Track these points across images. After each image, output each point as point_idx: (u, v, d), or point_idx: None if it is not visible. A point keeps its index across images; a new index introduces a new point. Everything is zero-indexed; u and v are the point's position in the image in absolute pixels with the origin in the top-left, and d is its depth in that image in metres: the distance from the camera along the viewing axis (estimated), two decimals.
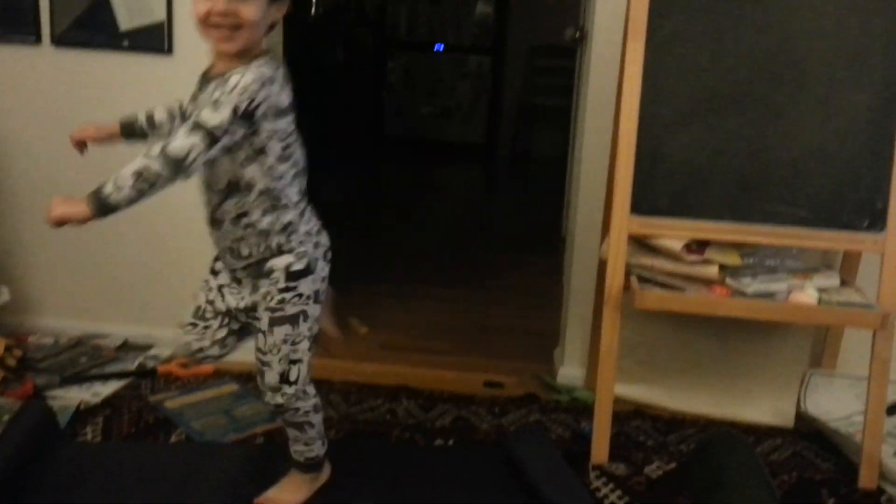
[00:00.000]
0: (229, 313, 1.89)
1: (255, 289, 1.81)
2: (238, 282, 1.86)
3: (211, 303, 1.91)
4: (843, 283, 2.25)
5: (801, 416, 2.45)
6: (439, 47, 6.51)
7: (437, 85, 6.58)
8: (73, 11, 2.55)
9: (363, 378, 2.65)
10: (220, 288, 1.90)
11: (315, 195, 3.44)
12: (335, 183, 5.09)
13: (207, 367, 2.64)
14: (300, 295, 1.79)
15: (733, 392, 2.51)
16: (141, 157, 1.57)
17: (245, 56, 1.62)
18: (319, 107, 4.02)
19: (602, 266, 2.34)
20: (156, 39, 2.54)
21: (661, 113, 2.12)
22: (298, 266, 1.78)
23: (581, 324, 2.64)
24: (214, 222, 1.77)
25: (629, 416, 2.47)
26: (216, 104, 1.56)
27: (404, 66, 6.59)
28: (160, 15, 2.51)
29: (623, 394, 2.51)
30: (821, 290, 2.16)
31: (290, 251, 1.77)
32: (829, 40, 2.07)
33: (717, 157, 2.12)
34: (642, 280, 2.19)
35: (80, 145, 1.94)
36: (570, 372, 2.69)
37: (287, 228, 1.76)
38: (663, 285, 2.19)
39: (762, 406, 2.49)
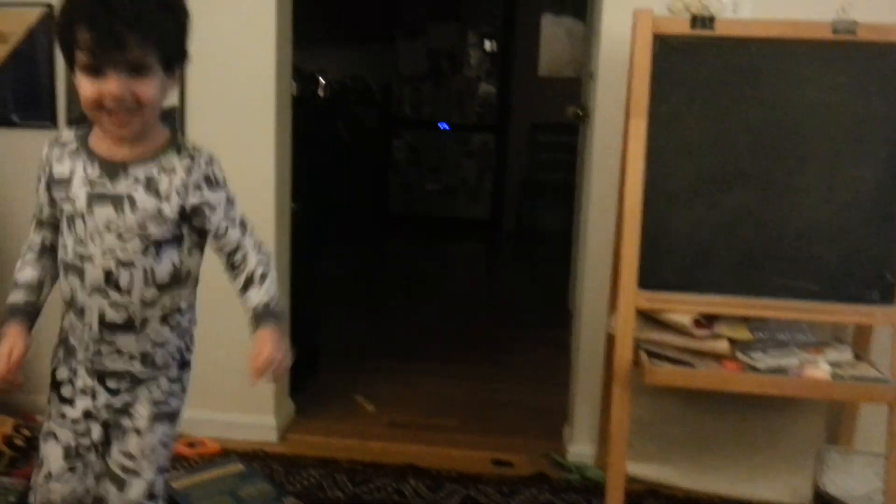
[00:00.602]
0: (99, 434, 1.59)
1: (134, 388, 1.58)
2: (111, 390, 1.58)
3: (83, 434, 1.59)
4: (856, 356, 2.23)
5: (818, 495, 2.40)
6: (444, 126, 6.62)
7: (441, 162, 6.67)
8: None
9: (370, 457, 2.62)
10: (85, 415, 1.59)
11: (321, 271, 3.45)
12: (340, 259, 5.12)
13: (213, 447, 2.62)
14: (184, 389, 1.64)
15: (748, 470, 2.47)
16: (255, 261, 1.56)
17: (145, 136, 1.47)
18: (325, 184, 4.07)
19: (610, 341, 2.33)
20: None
21: (665, 188, 2.15)
22: (189, 356, 1.65)
23: (590, 400, 2.61)
24: (128, 328, 1.51)
25: (642, 495, 2.42)
26: (230, 202, 1.55)
27: (409, 144, 6.70)
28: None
29: (635, 473, 2.46)
30: (833, 365, 2.14)
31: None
32: (831, 115, 2.10)
33: (724, 232, 2.13)
34: (652, 355, 2.18)
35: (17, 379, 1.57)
36: (580, 449, 2.65)
37: (194, 322, 1.66)
38: (673, 360, 2.17)
39: (778, 484, 2.45)
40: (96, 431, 1.58)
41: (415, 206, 6.74)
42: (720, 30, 2.12)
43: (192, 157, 1.50)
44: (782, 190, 2.12)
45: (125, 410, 1.58)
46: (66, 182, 1.49)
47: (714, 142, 2.14)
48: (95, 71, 1.37)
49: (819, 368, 2.11)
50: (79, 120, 2.65)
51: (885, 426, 2.10)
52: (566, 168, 4.84)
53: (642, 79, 2.14)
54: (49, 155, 1.53)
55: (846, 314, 2.14)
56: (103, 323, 1.52)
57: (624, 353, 2.14)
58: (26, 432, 2.49)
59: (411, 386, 3.31)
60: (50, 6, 2.61)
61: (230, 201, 1.57)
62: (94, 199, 1.47)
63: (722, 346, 2.16)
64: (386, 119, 6.69)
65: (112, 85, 1.37)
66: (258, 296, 1.55)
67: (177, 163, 1.48)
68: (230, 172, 2.67)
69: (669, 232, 2.15)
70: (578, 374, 2.66)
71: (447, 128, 6.62)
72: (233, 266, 1.58)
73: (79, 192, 1.48)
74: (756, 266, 2.13)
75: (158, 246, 1.49)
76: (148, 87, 1.40)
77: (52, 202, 1.53)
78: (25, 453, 2.45)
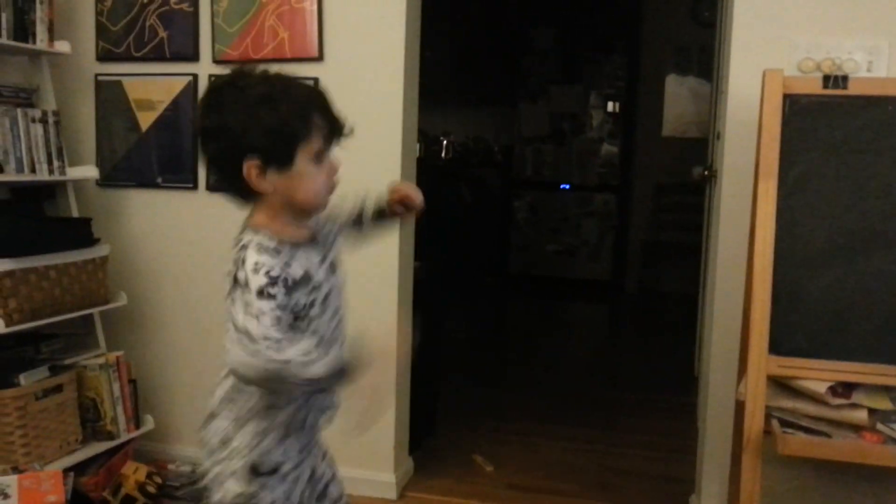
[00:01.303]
0: None
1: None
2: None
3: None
4: None
5: None
6: (565, 186, 6.63)
7: (562, 223, 6.66)
8: None
9: None
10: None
11: (443, 331, 3.48)
12: (461, 319, 5.15)
13: None
14: None
15: None
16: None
17: None
18: (447, 244, 4.14)
19: (739, 408, 2.24)
20: None
21: (797, 252, 2.08)
22: None
23: (719, 469, 2.51)
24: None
25: None
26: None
27: (530, 205, 6.72)
28: None
29: None
30: None
31: None
32: None
33: (861, 296, 2.04)
34: (784, 424, 2.09)
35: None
36: None
37: None
38: (807, 430, 2.07)
39: None
40: None
41: (534, 266, 6.73)
42: (854, 89, 2.06)
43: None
44: None
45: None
46: (307, 279, 1.48)
47: (849, 203, 2.06)
48: (319, 157, 1.44)
49: None
50: (216, 184, 2.80)
51: None
52: (689, 228, 4.75)
53: (772, 140, 2.09)
54: (279, 265, 1.44)
55: None
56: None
57: (755, 420, 2.05)
58: (158, 480, 2.60)
59: (531, 448, 3.27)
60: (195, 76, 2.80)
61: None
62: (328, 275, 1.54)
63: (860, 416, 2.05)
64: (507, 180, 6.76)
65: (336, 162, 1.48)
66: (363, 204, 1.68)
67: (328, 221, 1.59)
68: None
69: (802, 296, 2.07)
70: (706, 442, 2.57)
71: (567, 187, 6.62)
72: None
73: (318, 276, 1.51)
74: (895, 332, 2.02)
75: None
76: None
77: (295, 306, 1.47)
78: (156, 500, 2.56)
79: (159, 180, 2.87)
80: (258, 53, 2.71)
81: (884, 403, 2.06)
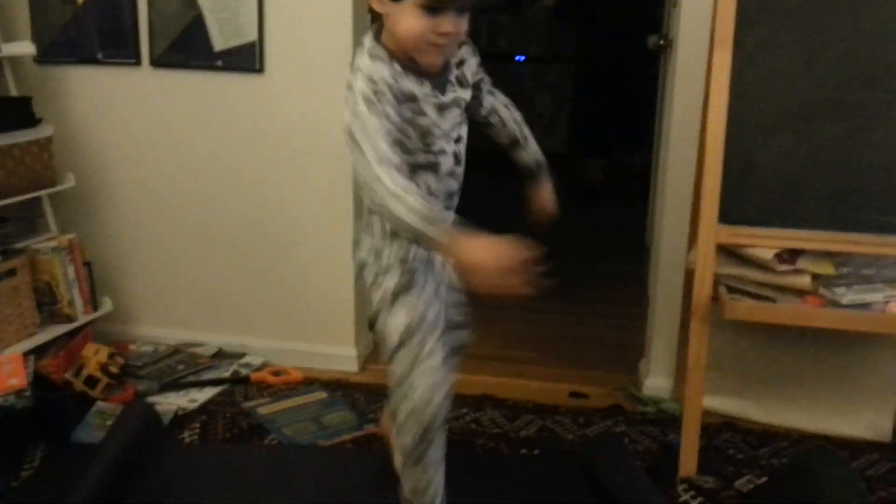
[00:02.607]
0: None
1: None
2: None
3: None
4: None
5: None
6: (520, 58, 6.50)
7: (516, 96, 6.56)
8: (170, 35, 2.66)
9: None
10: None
11: None
12: None
13: (297, 375, 2.71)
14: None
15: (827, 405, 2.44)
16: (512, 121, 1.97)
17: None
18: None
19: (689, 276, 2.31)
20: (248, 59, 2.62)
21: (749, 121, 2.09)
22: None
23: (668, 334, 2.61)
24: (458, 193, 1.83)
25: (719, 428, 2.43)
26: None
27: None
28: (252, 35, 2.60)
29: (712, 406, 2.47)
30: None
31: None
32: None
33: (810, 166, 2.07)
34: (731, 290, 2.16)
35: None
36: (656, 383, 2.66)
37: None
38: (753, 295, 2.15)
39: (858, 420, 2.42)
40: None
41: (488, 141, 6.67)
42: None
43: (467, 44, 1.74)
44: (874, 123, 2.04)
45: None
46: (414, 99, 1.62)
47: (803, 73, 2.06)
48: (432, 11, 1.52)
49: None
50: (160, 57, 2.70)
51: None
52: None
53: (728, 7, 2.06)
54: (389, 74, 1.57)
55: None
56: (450, 196, 1.78)
57: (703, 287, 2.11)
58: (120, 360, 2.62)
59: (488, 319, 3.33)
60: None
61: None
62: (440, 108, 1.67)
63: (804, 281, 2.13)
64: None
65: (447, 25, 1.55)
66: (530, 153, 1.97)
67: (462, 52, 1.74)
68: (309, 105, 2.70)
69: (753, 165, 2.10)
70: (656, 308, 2.65)
71: (524, 60, 6.50)
72: (492, 125, 1.95)
73: (426, 107, 1.64)
74: (844, 200, 2.06)
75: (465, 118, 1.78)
76: (465, 25, 1.59)
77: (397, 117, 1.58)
78: (120, 380, 2.59)
79: (100, 56, 2.75)
80: None
81: (827, 269, 2.14)
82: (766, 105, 2.08)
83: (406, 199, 1.45)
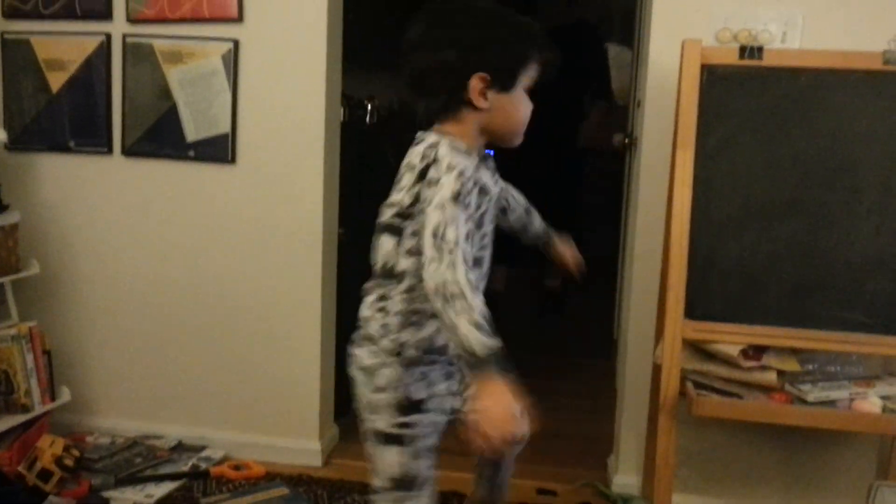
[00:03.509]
0: None
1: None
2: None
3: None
4: None
5: None
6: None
7: None
8: (143, 125, 2.69)
9: None
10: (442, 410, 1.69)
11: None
12: None
13: (259, 470, 2.64)
14: None
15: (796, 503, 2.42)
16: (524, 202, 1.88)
17: None
18: (374, 210, 4.09)
19: (656, 371, 2.31)
20: (220, 149, 2.65)
21: (713, 218, 2.13)
22: None
23: (636, 430, 2.59)
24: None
25: None
26: None
27: None
28: (225, 127, 2.64)
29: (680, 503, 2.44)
30: (884, 398, 2.09)
31: None
32: (883, 146, 2.07)
33: (773, 262, 2.11)
34: (698, 386, 2.16)
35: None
36: (625, 480, 2.62)
37: None
38: (720, 391, 2.14)
39: None
40: None
41: None
42: (769, 60, 2.11)
43: None
44: (833, 220, 2.09)
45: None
46: (486, 190, 1.57)
47: (763, 172, 2.12)
48: (528, 90, 1.54)
49: (869, 401, 2.07)
50: (132, 147, 2.71)
51: None
52: (610, 195, 4.81)
53: (690, 109, 2.13)
54: (471, 168, 1.52)
55: None
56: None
57: (670, 383, 2.11)
58: (76, 453, 2.54)
59: None
60: (108, 35, 2.69)
61: None
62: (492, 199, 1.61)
63: (770, 377, 2.13)
64: None
65: (529, 101, 1.57)
66: (537, 219, 1.88)
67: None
68: (279, 196, 2.73)
69: (717, 262, 2.13)
70: (624, 404, 2.64)
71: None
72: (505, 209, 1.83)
73: (493, 191, 1.60)
74: (806, 297, 2.10)
75: None
76: None
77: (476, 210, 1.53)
78: (74, 474, 2.50)
79: (72, 144, 2.77)
80: (175, 13, 2.62)
81: (792, 365, 2.15)
82: (728, 202, 2.13)
83: (482, 323, 1.37)
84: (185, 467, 2.64)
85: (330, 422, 2.89)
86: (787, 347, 2.14)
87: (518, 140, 1.61)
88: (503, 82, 1.51)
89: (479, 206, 1.52)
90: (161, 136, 2.68)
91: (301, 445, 2.76)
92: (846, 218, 2.09)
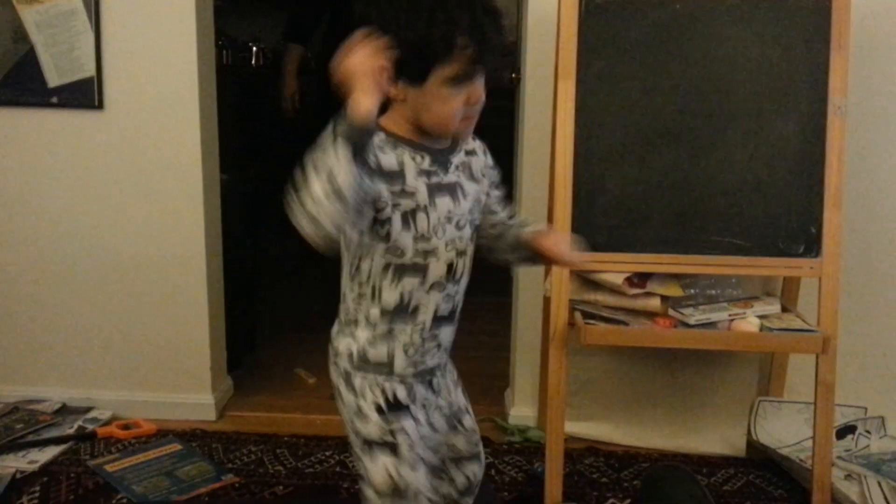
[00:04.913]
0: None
1: (444, 382, 1.61)
2: (434, 390, 1.58)
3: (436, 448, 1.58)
4: (785, 309, 2.27)
5: (752, 445, 2.46)
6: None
7: None
8: None
9: (312, 430, 2.60)
10: (430, 424, 1.56)
11: (257, 247, 3.37)
12: (278, 234, 5.02)
13: (149, 427, 2.57)
14: None
15: (684, 424, 2.51)
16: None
17: None
18: (260, 157, 4.00)
19: (547, 303, 2.33)
20: (86, 95, 2.50)
21: (596, 149, 2.14)
22: None
23: (530, 363, 2.63)
24: (450, 319, 1.55)
25: (582, 453, 2.45)
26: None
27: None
28: (89, 70, 2.48)
29: (575, 431, 2.49)
30: (762, 318, 2.18)
31: None
32: (754, 72, 2.12)
33: (654, 191, 2.14)
34: (587, 315, 2.19)
35: None
36: (521, 412, 2.67)
37: None
38: (607, 319, 2.18)
39: (713, 436, 2.49)
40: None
41: None
42: None
43: (478, 139, 1.51)
44: (709, 147, 2.13)
45: (450, 403, 1.61)
46: (398, 175, 1.36)
47: (642, 102, 2.14)
48: (458, 81, 1.31)
49: (748, 321, 2.14)
50: None
51: (812, 376, 2.14)
52: (506, 135, 4.81)
53: (570, 41, 2.12)
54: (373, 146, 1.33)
55: (775, 268, 2.18)
56: (435, 318, 1.49)
57: (559, 314, 2.14)
58: None
59: None
60: None
61: None
62: (433, 197, 1.39)
63: (654, 303, 2.18)
64: (327, 89, 6.53)
65: (477, 90, 1.34)
66: (520, 223, 1.59)
67: (474, 145, 1.50)
68: (154, 143, 2.61)
69: (601, 192, 2.15)
70: (517, 337, 2.67)
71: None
72: (487, 237, 1.60)
73: (416, 184, 1.38)
74: (686, 224, 2.14)
75: (474, 230, 1.50)
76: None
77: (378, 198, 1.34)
78: None
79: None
80: None
81: (675, 290, 2.20)
82: (610, 134, 2.14)
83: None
84: (70, 430, 2.54)
85: (223, 374, 2.82)
86: (670, 273, 2.20)
87: (452, 132, 1.40)
88: (409, 75, 1.32)
89: (381, 191, 1.33)
90: (19, 82, 2.50)
91: (193, 400, 2.69)
92: (722, 145, 2.13)
